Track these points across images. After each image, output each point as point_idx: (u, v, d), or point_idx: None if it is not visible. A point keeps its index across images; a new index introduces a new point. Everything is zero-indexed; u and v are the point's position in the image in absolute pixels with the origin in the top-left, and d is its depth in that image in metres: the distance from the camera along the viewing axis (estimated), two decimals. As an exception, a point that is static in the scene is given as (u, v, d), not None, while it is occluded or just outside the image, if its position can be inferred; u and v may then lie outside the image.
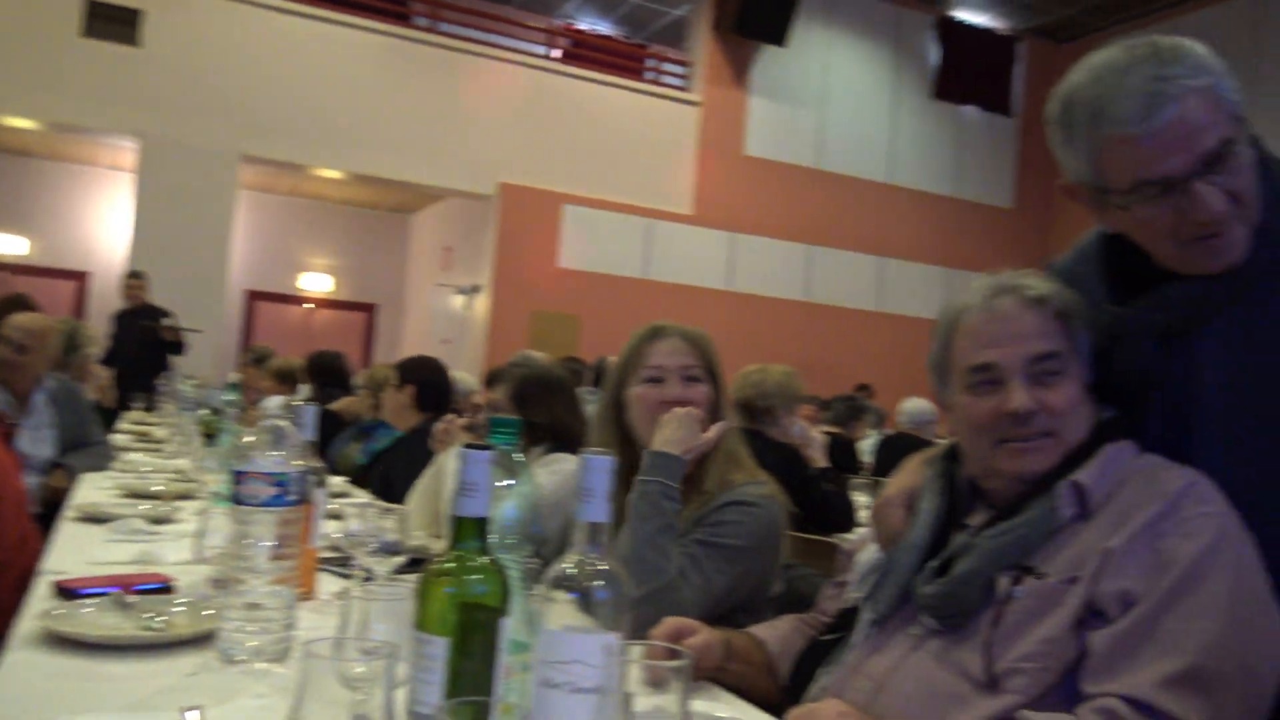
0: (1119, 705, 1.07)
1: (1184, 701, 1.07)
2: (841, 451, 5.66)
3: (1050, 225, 12.66)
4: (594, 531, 0.95)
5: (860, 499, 4.21)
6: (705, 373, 1.93)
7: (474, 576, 0.94)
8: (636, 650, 0.93)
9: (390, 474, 3.47)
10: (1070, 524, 1.24)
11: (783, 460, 3.54)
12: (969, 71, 12.21)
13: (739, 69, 11.14)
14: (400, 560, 1.49)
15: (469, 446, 0.93)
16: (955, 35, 12.19)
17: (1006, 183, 12.73)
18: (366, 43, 9.66)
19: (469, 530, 0.95)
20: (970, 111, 12.47)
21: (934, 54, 12.20)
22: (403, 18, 10.16)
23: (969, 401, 1.34)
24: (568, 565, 0.96)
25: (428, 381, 3.87)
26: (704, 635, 1.42)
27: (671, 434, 1.81)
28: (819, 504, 3.59)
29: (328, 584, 1.80)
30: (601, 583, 0.95)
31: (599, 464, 0.94)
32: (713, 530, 1.79)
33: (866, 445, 6.82)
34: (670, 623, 1.42)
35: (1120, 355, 1.35)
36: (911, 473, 1.49)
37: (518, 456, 1.12)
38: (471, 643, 0.93)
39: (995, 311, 1.33)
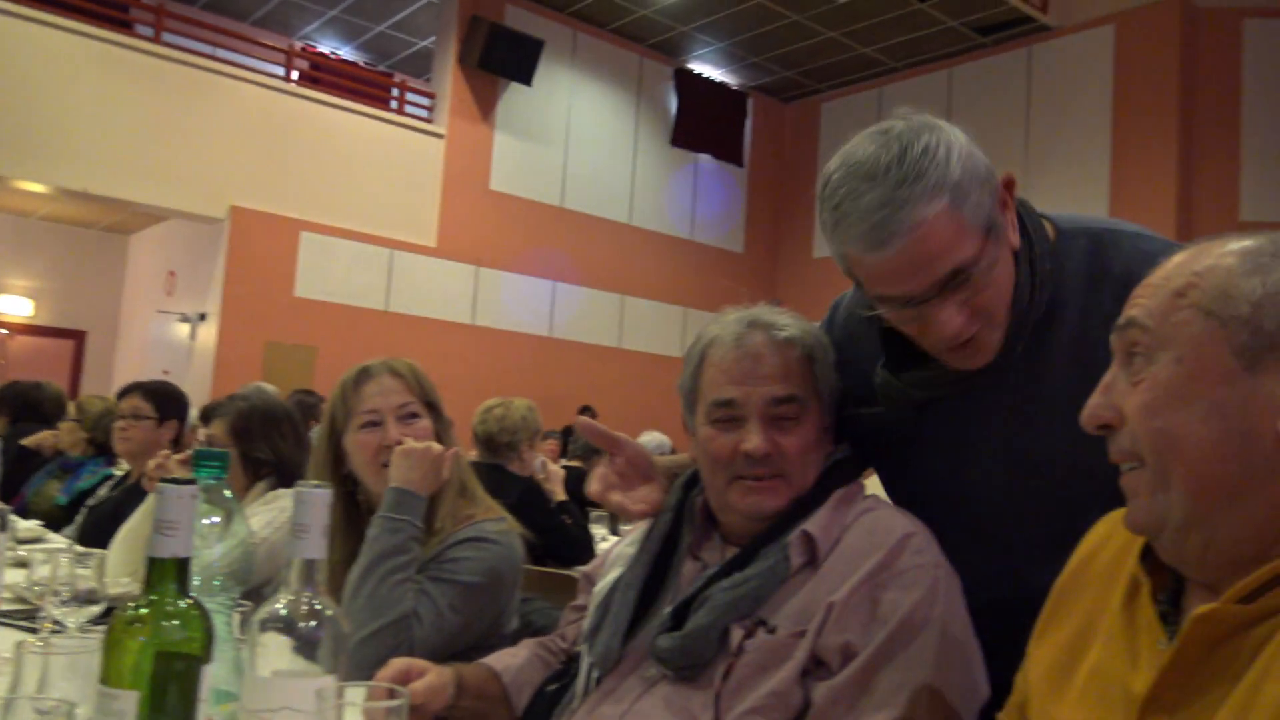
0: None
1: None
2: (582, 485, 5.67)
3: (775, 271, 13.50)
4: (308, 569, 0.90)
5: (599, 531, 4.26)
6: (423, 406, 1.88)
7: (171, 622, 0.86)
8: (355, 693, 0.89)
9: (122, 516, 3.14)
10: (800, 571, 1.28)
11: (523, 494, 3.54)
12: (704, 122, 12.81)
13: (485, 104, 11.15)
14: (96, 610, 1.35)
15: (166, 481, 0.86)
16: (692, 86, 12.78)
17: (738, 228, 13.41)
18: (80, 49, 8.86)
19: (167, 572, 0.87)
20: (705, 160, 13.09)
21: (673, 103, 12.73)
22: (125, 25, 9.41)
23: (710, 434, 1.37)
24: (280, 605, 0.90)
25: (186, 416, 3.52)
26: (432, 675, 1.37)
27: (411, 473, 1.75)
28: (558, 537, 3.61)
29: (7, 638, 1.60)
30: (315, 623, 0.90)
31: (314, 498, 0.89)
32: (448, 567, 1.75)
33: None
34: (396, 663, 1.36)
35: (890, 414, 1.36)
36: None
37: (226, 492, 1.04)
38: (167, 695, 0.85)
39: (744, 348, 1.36)
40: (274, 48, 10.49)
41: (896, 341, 1.31)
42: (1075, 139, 10.50)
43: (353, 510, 1.88)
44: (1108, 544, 1.00)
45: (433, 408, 1.90)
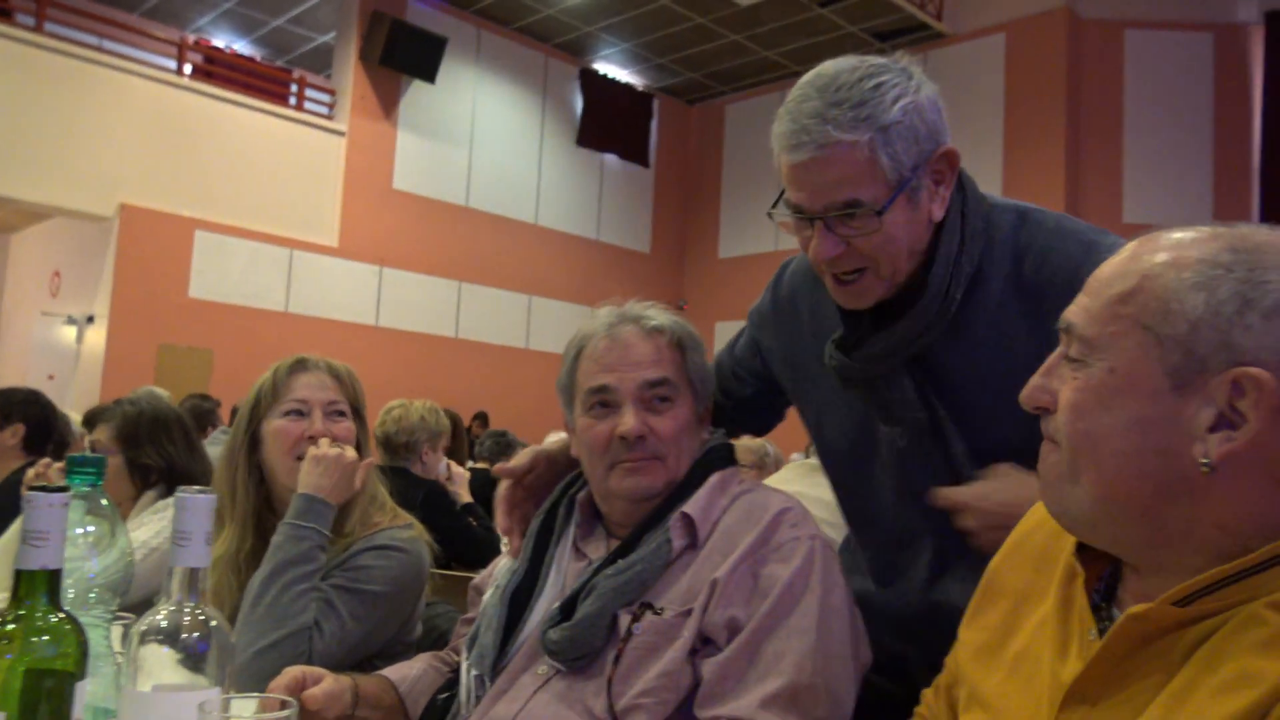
0: None
1: (782, 717, 1.15)
2: (488, 487, 5.63)
3: (681, 271, 13.60)
4: (191, 578, 0.86)
5: (505, 532, 4.20)
6: (350, 409, 1.85)
7: (41, 638, 0.82)
8: (245, 704, 0.85)
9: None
10: (683, 555, 1.30)
11: (427, 496, 3.48)
12: (610, 122, 12.84)
13: (387, 102, 10.96)
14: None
15: (35, 489, 0.81)
16: (598, 87, 12.78)
17: (644, 229, 13.47)
18: (-46, 37, 8.43)
19: (37, 585, 0.83)
20: (611, 160, 13.10)
21: (579, 103, 12.71)
22: (3, 14, 8.98)
23: (588, 423, 1.39)
24: (161, 616, 0.86)
25: (39, 419, 3.36)
26: (329, 682, 1.33)
27: (322, 479, 1.71)
28: (464, 540, 3.56)
29: None
30: (199, 634, 0.86)
31: (196, 504, 0.85)
32: (352, 575, 1.70)
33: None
34: (291, 672, 1.32)
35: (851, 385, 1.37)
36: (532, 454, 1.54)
37: (104, 500, 0.99)
38: (39, 715, 0.81)
39: (616, 339, 1.40)
40: (165, 40, 10.14)
41: (851, 320, 1.34)
42: (969, 142, 10.81)
43: (262, 502, 1.83)
44: (1044, 525, 0.99)
45: (359, 414, 1.87)
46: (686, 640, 1.22)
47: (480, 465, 5.90)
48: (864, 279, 1.26)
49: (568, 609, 1.30)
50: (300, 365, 1.84)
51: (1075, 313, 0.86)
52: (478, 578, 1.64)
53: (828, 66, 1.24)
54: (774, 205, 1.28)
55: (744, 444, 4.39)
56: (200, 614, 0.87)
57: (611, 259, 12.96)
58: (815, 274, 1.35)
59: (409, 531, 1.80)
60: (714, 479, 1.37)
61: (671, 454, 1.37)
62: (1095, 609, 0.88)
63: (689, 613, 1.24)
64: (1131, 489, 0.80)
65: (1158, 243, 0.83)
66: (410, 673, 1.49)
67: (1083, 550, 0.90)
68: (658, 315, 1.43)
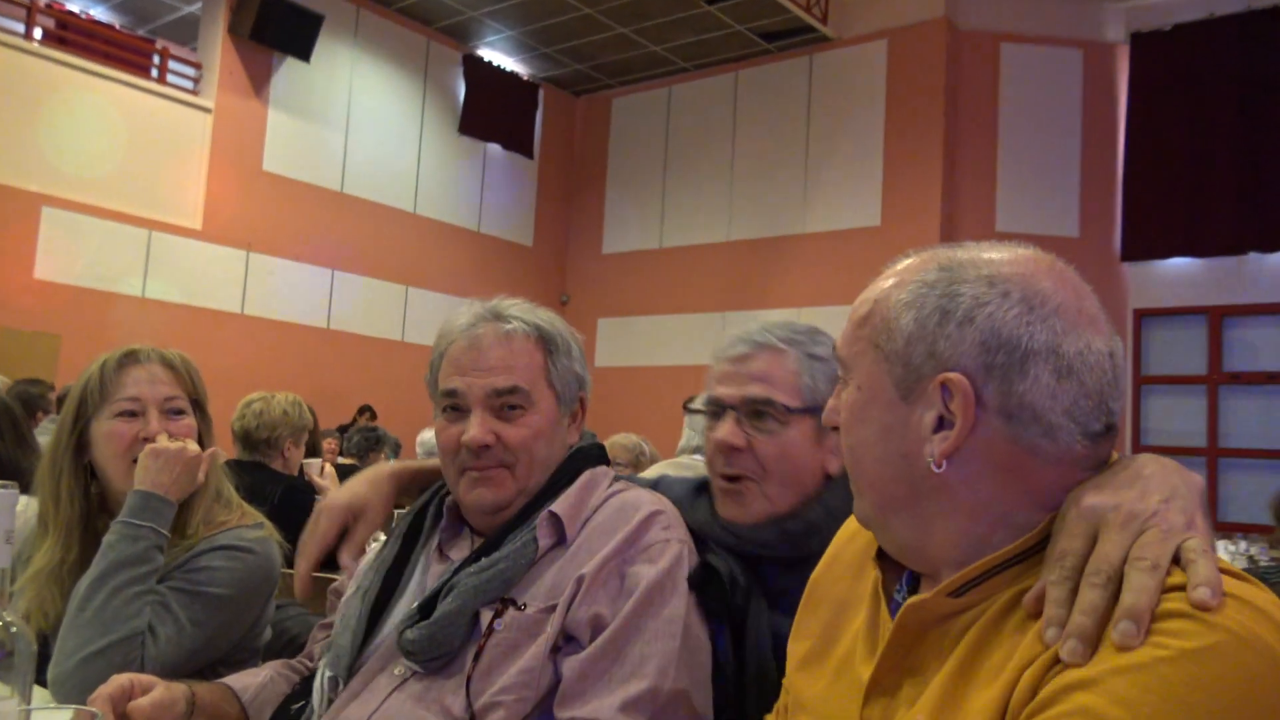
0: None
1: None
2: (356, 483, 5.48)
3: (563, 265, 13.56)
4: (-11, 579, 0.79)
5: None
6: (190, 403, 1.75)
7: None
8: (51, 716, 0.79)
9: None
10: (549, 552, 1.30)
11: (286, 493, 3.38)
12: (494, 111, 12.67)
13: (258, 79, 10.58)
14: None
15: None
16: (482, 74, 12.61)
17: (527, 222, 13.36)
18: None
19: None
20: (495, 149, 12.96)
21: (461, 89, 12.53)
22: None
23: (440, 426, 1.38)
24: (-47, 622, 0.79)
25: None
26: (160, 691, 1.26)
27: (160, 475, 1.61)
28: None
29: None
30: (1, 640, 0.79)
31: (-5, 497, 0.79)
32: (193, 577, 1.62)
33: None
34: (117, 680, 1.25)
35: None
36: (360, 486, 1.49)
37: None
38: None
39: (473, 339, 1.38)
40: (13, 2, 9.55)
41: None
42: (851, 146, 11.11)
43: (90, 507, 1.72)
44: (856, 538, 1.07)
45: (199, 406, 1.77)
46: (549, 636, 1.21)
47: (348, 461, 5.77)
48: (748, 489, 1.34)
49: (426, 608, 1.27)
50: (130, 358, 1.72)
51: (839, 342, 0.97)
52: (338, 580, 1.59)
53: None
54: (691, 400, 1.40)
55: (619, 441, 4.39)
56: (2, 619, 0.80)
57: (493, 251, 12.80)
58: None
59: (258, 531, 1.74)
60: (584, 477, 1.37)
61: (522, 463, 1.35)
62: (894, 609, 0.94)
63: (553, 608, 1.23)
64: (891, 492, 0.90)
65: (893, 268, 0.94)
66: (255, 681, 1.43)
67: (881, 555, 0.98)
68: (519, 315, 1.40)
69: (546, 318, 1.43)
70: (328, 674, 1.32)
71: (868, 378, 0.91)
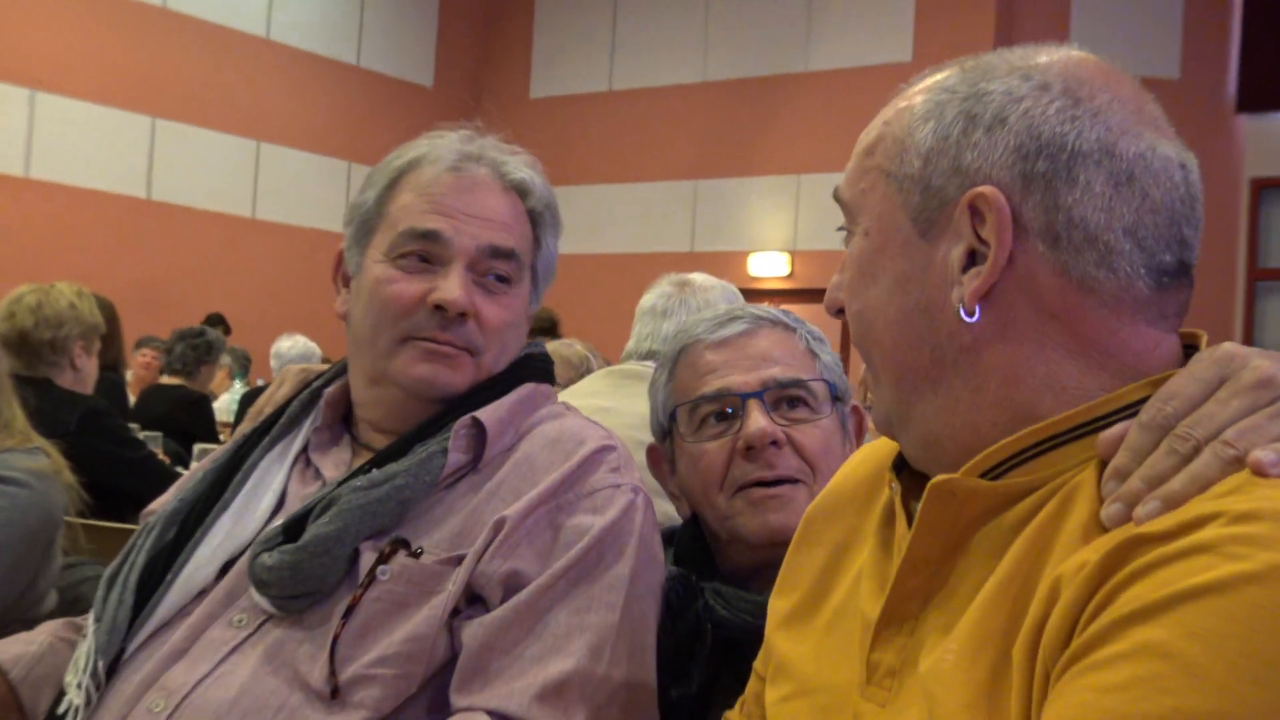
0: None
1: (564, 716, 1.17)
2: (187, 410, 5.52)
3: (477, 113, 13.35)
4: None
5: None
6: None
7: None
8: None
9: None
10: (461, 479, 1.34)
11: (85, 418, 3.43)
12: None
13: None
14: None
15: None
16: None
17: (424, 55, 13.27)
18: None
19: None
20: (379, -44, 12.78)
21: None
22: None
23: (390, 275, 1.37)
24: None
25: None
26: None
27: None
28: (142, 476, 3.52)
29: None
30: None
31: None
32: None
33: (225, 401, 6.71)
34: None
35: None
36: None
37: None
38: None
39: (464, 176, 1.42)
40: None
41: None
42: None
43: None
44: (865, 462, 1.13)
45: None
46: (450, 596, 1.22)
47: (174, 381, 5.75)
48: (800, 495, 1.40)
49: (293, 529, 1.28)
50: None
51: (840, 183, 1.01)
52: (154, 503, 1.57)
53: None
54: (671, 419, 1.52)
55: (559, 351, 4.37)
56: None
57: (377, 94, 12.75)
58: None
59: (35, 459, 1.78)
60: (525, 389, 1.42)
61: (491, 351, 1.40)
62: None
63: (459, 559, 1.25)
64: (911, 361, 0.93)
65: (912, 82, 0.99)
66: (29, 650, 1.43)
67: (899, 466, 1.01)
68: (525, 168, 1.47)
69: (545, 180, 1.51)
70: (97, 624, 1.30)
71: (878, 218, 0.94)
